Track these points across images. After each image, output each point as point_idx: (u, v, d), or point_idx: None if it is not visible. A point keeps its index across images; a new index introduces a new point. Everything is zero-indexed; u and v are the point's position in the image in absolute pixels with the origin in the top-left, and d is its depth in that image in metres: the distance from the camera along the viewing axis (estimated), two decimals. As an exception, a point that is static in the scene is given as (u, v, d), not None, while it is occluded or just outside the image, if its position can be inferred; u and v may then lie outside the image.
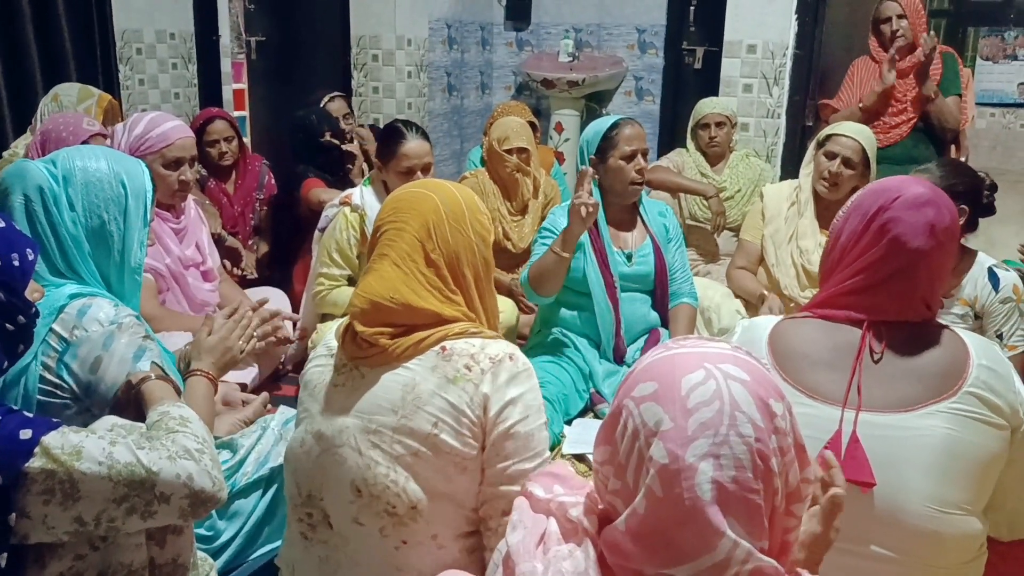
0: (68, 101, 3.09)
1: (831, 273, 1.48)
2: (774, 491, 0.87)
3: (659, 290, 2.87)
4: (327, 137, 3.77)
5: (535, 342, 2.92)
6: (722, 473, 0.85)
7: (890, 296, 1.40)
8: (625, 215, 2.88)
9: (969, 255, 2.50)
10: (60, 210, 1.59)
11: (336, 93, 4.35)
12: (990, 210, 2.43)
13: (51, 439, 1.16)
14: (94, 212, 1.61)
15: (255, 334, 1.74)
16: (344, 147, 3.86)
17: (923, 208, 1.40)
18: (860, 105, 3.76)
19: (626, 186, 2.77)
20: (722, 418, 0.86)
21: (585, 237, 2.76)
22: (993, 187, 2.44)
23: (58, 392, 1.48)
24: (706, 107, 3.98)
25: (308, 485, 1.44)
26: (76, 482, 1.15)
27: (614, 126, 2.77)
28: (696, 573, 0.86)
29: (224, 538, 1.96)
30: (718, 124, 3.92)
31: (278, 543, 1.97)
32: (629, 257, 2.83)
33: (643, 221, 2.89)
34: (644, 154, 2.76)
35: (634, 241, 2.87)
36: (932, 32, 3.87)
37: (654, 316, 2.90)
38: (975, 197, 2.37)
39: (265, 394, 2.20)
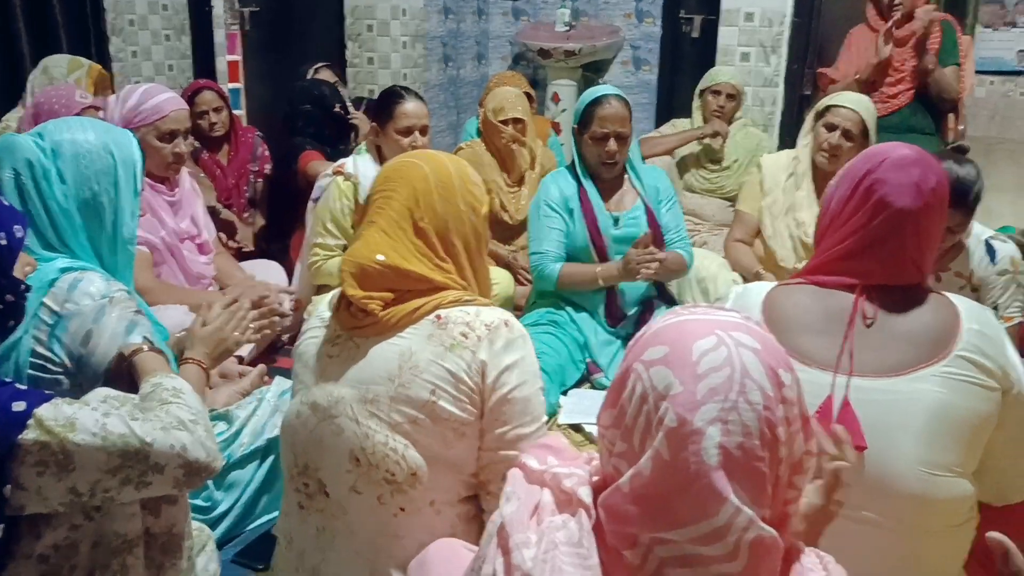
0: (58, 72, 3.06)
1: (822, 239, 1.49)
2: (778, 460, 0.87)
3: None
4: (338, 108, 3.75)
5: (531, 313, 2.93)
6: (729, 439, 0.84)
7: (880, 259, 1.40)
8: (615, 179, 2.90)
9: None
10: (50, 183, 1.57)
11: (323, 64, 4.31)
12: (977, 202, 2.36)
13: (44, 411, 1.16)
14: (85, 184, 1.60)
15: (251, 326, 1.74)
16: (350, 118, 3.84)
17: (908, 168, 1.40)
18: (857, 77, 3.73)
19: (597, 165, 2.82)
20: (732, 384, 0.86)
21: (575, 201, 2.79)
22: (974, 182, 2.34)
23: (49, 366, 1.48)
24: (721, 75, 3.95)
25: (304, 456, 1.45)
26: (70, 453, 1.15)
27: (596, 102, 2.78)
28: (694, 538, 0.86)
29: (221, 509, 1.97)
30: (729, 95, 3.89)
31: (275, 514, 1.99)
32: (616, 221, 2.84)
33: (633, 184, 2.90)
34: (618, 137, 2.77)
35: (624, 204, 2.89)
36: (931, 1, 3.83)
37: (650, 283, 2.92)
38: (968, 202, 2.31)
39: (262, 366, 2.21)
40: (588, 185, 2.84)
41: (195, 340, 1.64)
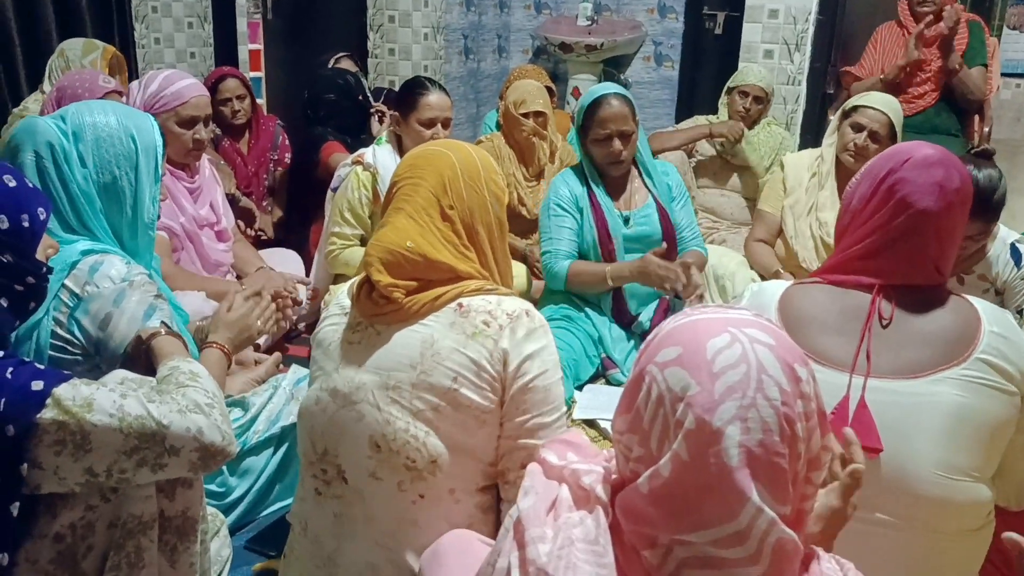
0: (73, 55, 3.10)
1: (841, 237, 1.47)
2: (797, 456, 0.87)
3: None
4: (360, 98, 3.75)
5: (545, 307, 2.92)
6: (749, 437, 0.84)
7: (899, 259, 1.39)
8: (623, 177, 2.87)
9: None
10: (71, 166, 1.58)
11: (344, 53, 4.31)
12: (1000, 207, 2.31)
13: (63, 390, 1.17)
14: (105, 168, 1.61)
15: (272, 317, 1.75)
16: (373, 110, 3.84)
17: (932, 168, 1.39)
18: (881, 77, 3.69)
19: (605, 165, 2.80)
20: (749, 381, 0.85)
21: (584, 199, 2.78)
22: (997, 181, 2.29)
23: (69, 348, 1.49)
24: (751, 75, 3.82)
25: (323, 442, 1.45)
26: (87, 433, 1.16)
27: (595, 103, 2.74)
28: (715, 540, 0.86)
29: (236, 495, 1.98)
30: (756, 98, 3.77)
31: (289, 500, 1.99)
32: (627, 220, 2.82)
33: (644, 182, 2.88)
34: (621, 135, 2.73)
35: (635, 202, 2.86)
36: (959, 2, 3.78)
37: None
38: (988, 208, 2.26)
39: (277, 354, 2.21)
40: (597, 188, 2.82)
41: (220, 325, 1.65)
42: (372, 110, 3.83)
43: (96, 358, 1.51)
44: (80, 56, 3.08)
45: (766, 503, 0.84)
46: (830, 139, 3.04)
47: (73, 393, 1.17)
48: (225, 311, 1.67)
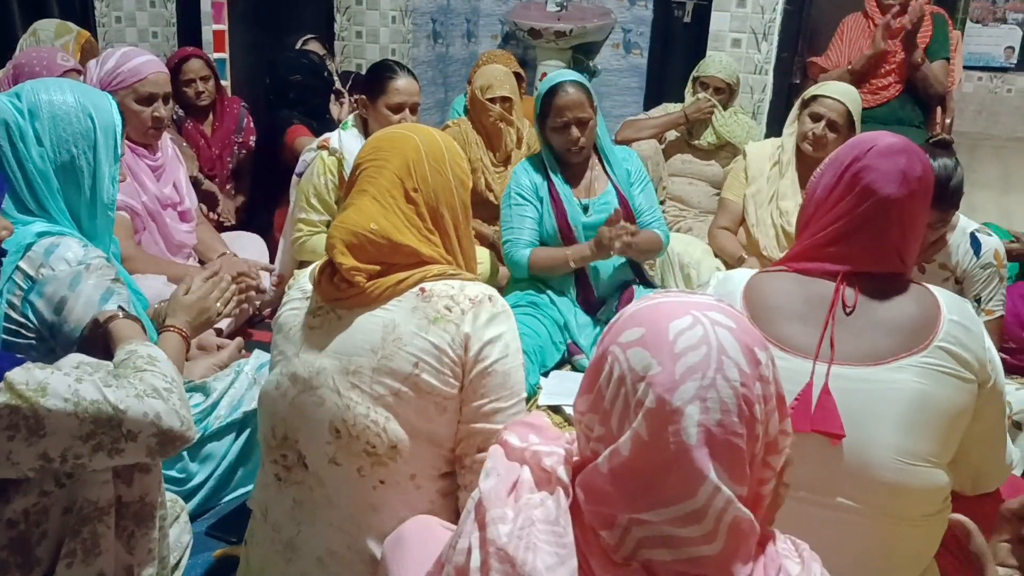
0: (46, 36, 3.05)
1: (806, 226, 1.48)
2: (755, 437, 0.88)
3: None
4: (327, 80, 3.71)
5: (511, 294, 2.92)
6: (708, 416, 0.85)
7: (863, 246, 1.40)
8: (583, 165, 2.87)
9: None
10: (27, 145, 1.55)
11: (311, 36, 4.26)
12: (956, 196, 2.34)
13: (15, 375, 1.15)
14: (62, 147, 1.57)
15: (232, 299, 1.72)
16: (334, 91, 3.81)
17: (895, 156, 1.40)
18: (849, 68, 3.72)
19: (564, 153, 2.80)
20: (709, 362, 0.86)
21: (543, 188, 2.78)
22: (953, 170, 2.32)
23: (23, 331, 1.46)
24: (712, 67, 3.86)
25: (283, 427, 1.44)
26: (41, 418, 1.14)
27: (552, 91, 2.74)
28: (672, 519, 0.86)
29: (196, 480, 1.96)
30: (717, 89, 3.82)
31: (251, 487, 1.97)
32: (586, 209, 2.83)
33: (604, 168, 2.88)
34: (579, 123, 2.73)
35: (595, 189, 2.87)
36: (924, -7, 3.82)
37: (627, 265, 2.92)
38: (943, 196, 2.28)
39: (240, 339, 2.20)
40: (556, 177, 2.82)
41: (177, 308, 1.62)
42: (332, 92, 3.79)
43: (51, 342, 1.48)
44: (52, 38, 3.03)
45: (723, 482, 0.85)
46: (790, 128, 3.07)
47: (27, 377, 1.15)
48: (182, 294, 1.64)
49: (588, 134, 2.76)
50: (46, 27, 3.10)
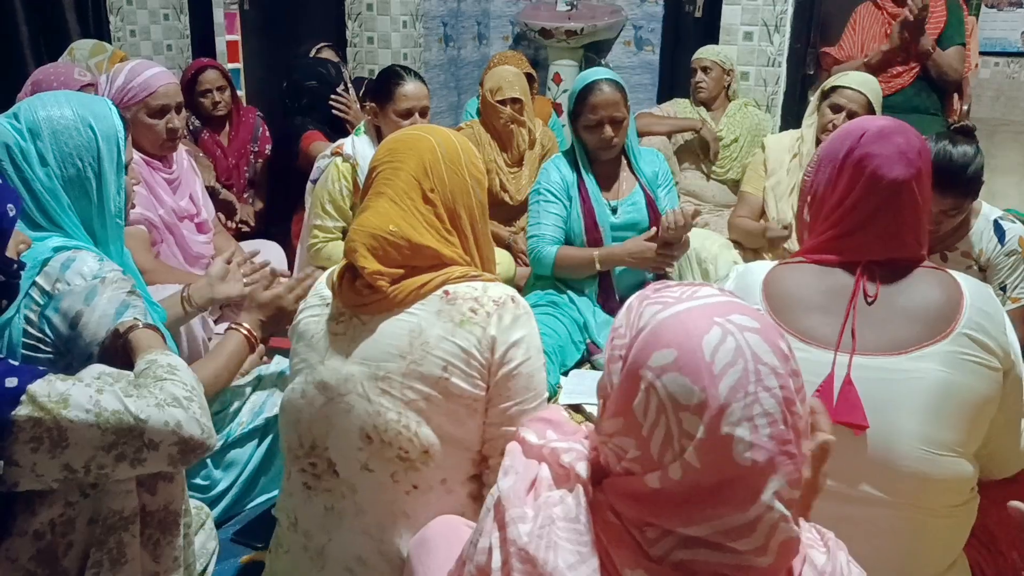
0: (80, 55, 3.09)
1: (814, 224, 1.47)
2: (800, 434, 0.87)
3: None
4: (342, 87, 3.71)
5: (531, 293, 2.92)
6: (758, 435, 0.83)
7: (878, 234, 1.39)
8: (612, 165, 2.87)
9: (974, 207, 2.44)
10: (31, 165, 1.53)
11: (325, 43, 4.28)
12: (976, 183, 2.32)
13: (37, 387, 1.15)
14: (68, 162, 1.56)
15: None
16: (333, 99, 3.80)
17: (890, 138, 1.39)
18: (865, 60, 3.69)
19: (596, 150, 2.79)
20: (748, 376, 0.84)
21: (574, 187, 2.77)
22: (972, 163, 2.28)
23: (41, 346, 1.46)
24: (702, 51, 3.99)
25: (311, 435, 1.43)
26: (64, 430, 1.15)
27: (587, 89, 2.73)
28: (725, 531, 0.85)
29: (220, 487, 1.97)
30: (703, 69, 3.91)
31: (274, 493, 1.98)
32: (614, 210, 2.82)
33: (632, 170, 2.88)
34: (612, 121, 2.72)
35: (623, 190, 2.86)
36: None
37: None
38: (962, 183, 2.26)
39: (261, 345, 2.20)
40: (587, 176, 2.81)
41: (252, 306, 1.59)
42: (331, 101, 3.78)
43: (68, 356, 1.47)
44: (87, 57, 3.06)
45: (780, 497, 0.84)
46: (810, 120, 3.05)
47: (48, 389, 1.16)
48: (261, 290, 1.62)
49: (621, 133, 2.75)
50: (82, 47, 3.14)
